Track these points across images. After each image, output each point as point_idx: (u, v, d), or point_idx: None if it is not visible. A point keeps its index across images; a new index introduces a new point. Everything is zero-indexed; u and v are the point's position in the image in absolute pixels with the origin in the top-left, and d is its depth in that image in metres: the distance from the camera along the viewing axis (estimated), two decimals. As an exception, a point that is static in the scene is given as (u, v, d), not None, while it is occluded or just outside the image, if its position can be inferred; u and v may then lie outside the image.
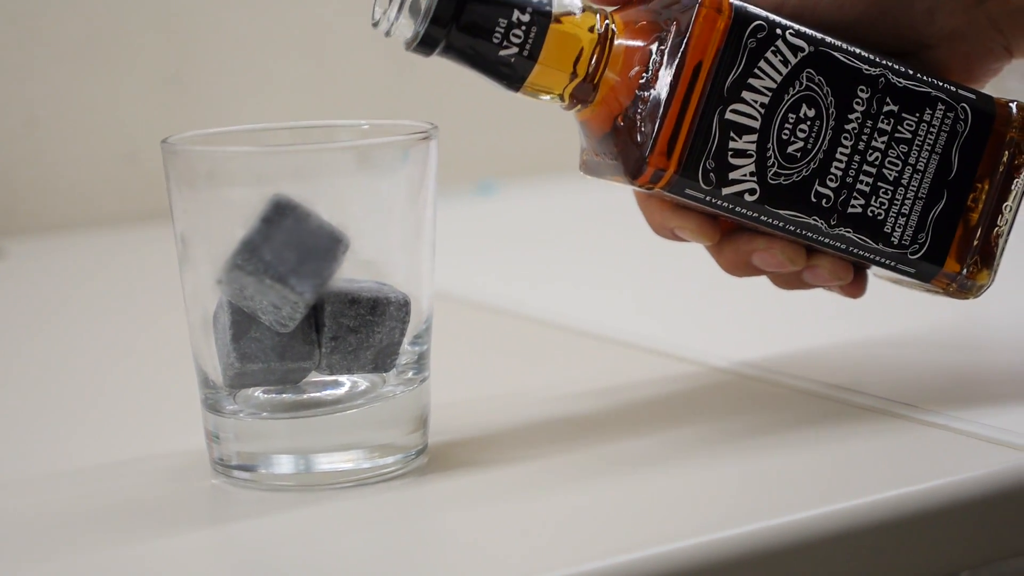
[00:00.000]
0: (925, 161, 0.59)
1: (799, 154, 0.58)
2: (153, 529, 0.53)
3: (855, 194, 0.58)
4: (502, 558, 0.50)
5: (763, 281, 0.64)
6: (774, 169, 0.57)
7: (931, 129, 0.59)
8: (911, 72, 0.59)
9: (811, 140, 0.58)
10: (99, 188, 1.13)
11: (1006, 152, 0.60)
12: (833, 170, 0.58)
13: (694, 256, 0.95)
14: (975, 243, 0.60)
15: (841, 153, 0.58)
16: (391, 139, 0.56)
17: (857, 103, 0.58)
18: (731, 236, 0.61)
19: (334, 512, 0.53)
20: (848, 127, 0.58)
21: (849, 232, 0.59)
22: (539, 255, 0.99)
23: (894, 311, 0.77)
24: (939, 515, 0.53)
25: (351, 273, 0.54)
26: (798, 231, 0.59)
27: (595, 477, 0.56)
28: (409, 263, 0.55)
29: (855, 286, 0.62)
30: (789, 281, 0.62)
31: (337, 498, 0.54)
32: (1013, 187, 0.60)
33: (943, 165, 0.59)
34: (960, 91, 0.60)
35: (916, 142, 0.59)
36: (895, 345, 0.72)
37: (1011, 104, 0.60)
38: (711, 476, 0.56)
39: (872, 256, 0.60)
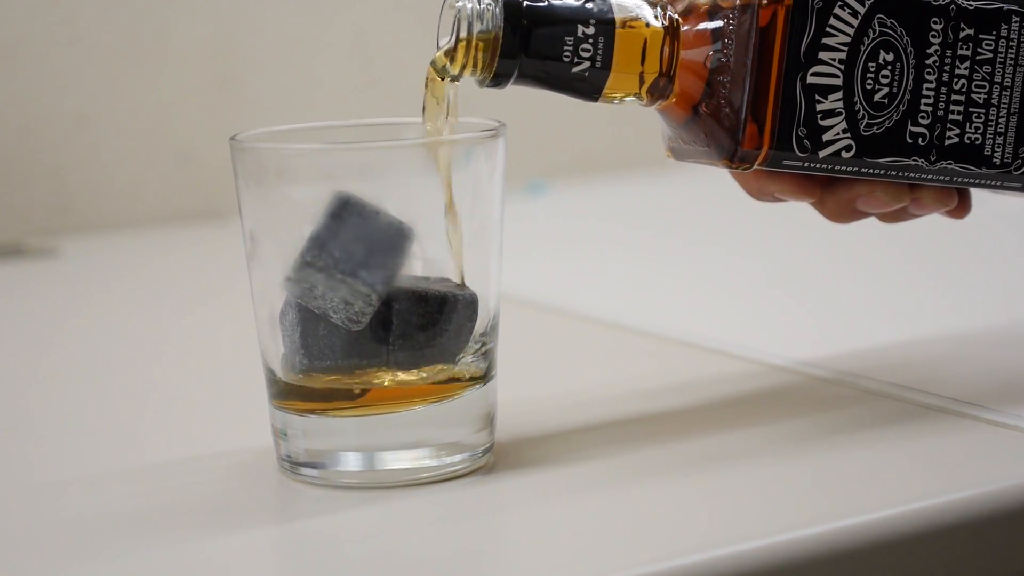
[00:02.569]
0: (1011, 76, 0.59)
1: (887, 100, 0.58)
2: (220, 526, 0.53)
3: (949, 125, 0.59)
4: (569, 557, 0.50)
5: (821, 279, 0.64)
6: (865, 121, 0.57)
7: (1011, 43, 0.59)
8: None
9: (895, 83, 0.58)
10: (150, 187, 1.13)
11: None
12: (923, 107, 0.58)
13: (752, 254, 0.95)
14: None
15: (927, 89, 0.58)
16: (460, 136, 0.56)
17: (933, 36, 0.58)
18: (831, 187, 0.60)
19: (400, 510, 0.53)
20: (929, 61, 0.58)
21: (951, 164, 0.59)
22: (593, 254, 0.99)
23: (957, 308, 0.77)
24: (1009, 517, 0.53)
25: (419, 271, 0.54)
26: (900, 174, 0.59)
27: (661, 476, 0.56)
28: (476, 261, 0.55)
29: (960, 208, 0.62)
30: (896, 216, 0.62)
31: (403, 496, 0.54)
32: None
33: None
34: None
35: (999, 59, 0.59)
36: (959, 343, 0.72)
37: None
38: (779, 476, 0.55)
39: (977, 181, 0.60)
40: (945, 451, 0.58)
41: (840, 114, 0.57)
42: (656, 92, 0.58)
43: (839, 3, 0.57)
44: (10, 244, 1.04)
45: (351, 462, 0.55)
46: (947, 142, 0.59)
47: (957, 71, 0.59)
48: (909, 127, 0.58)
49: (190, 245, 1.08)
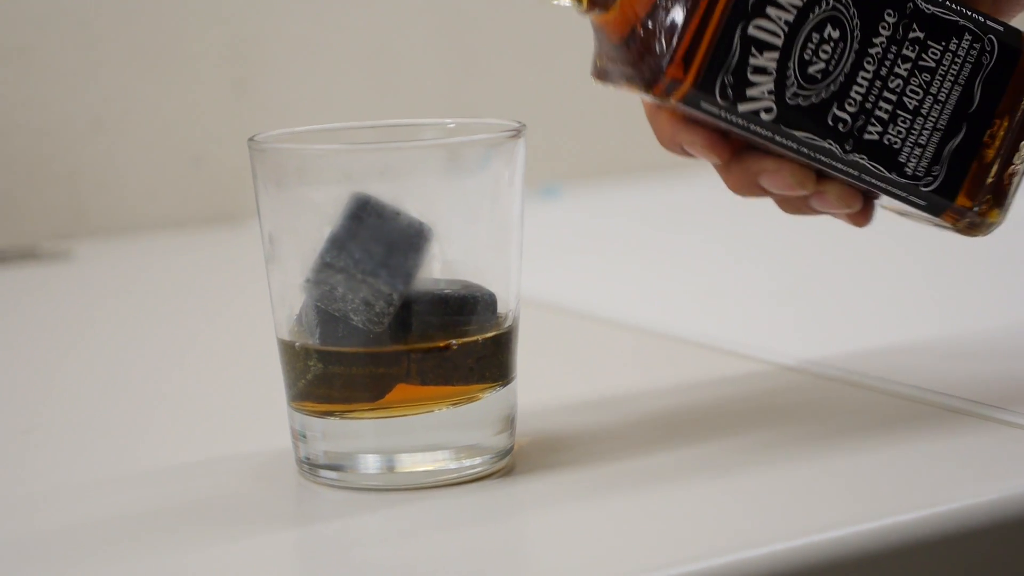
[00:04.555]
0: (947, 92, 0.58)
1: (820, 75, 0.57)
2: (238, 528, 0.53)
3: (873, 120, 0.57)
4: (589, 560, 0.50)
5: (841, 281, 0.63)
6: (793, 89, 0.56)
7: (955, 59, 0.58)
8: None
9: (833, 62, 0.57)
10: (165, 191, 1.13)
11: None
12: (853, 94, 0.57)
13: (770, 256, 0.95)
14: (989, 180, 0.59)
15: (862, 77, 0.57)
16: (481, 137, 0.55)
17: (883, 27, 0.57)
18: (740, 155, 0.59)
19: (420, 513, 0.53)
20: (872, 51, 0.57)
21: (863, 159, 0.58)
22: (608, 257, 0.99)
23: (968, 307, 0.77)
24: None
25: (438, 273, 0.54)
26: (811, 154, 0.58)
27: (682, 479, 0.55)
28: (496, 263, 0.55)
29: (862, 215, 0.60)
30: (796, 206, 0.61)
31: (423, 499, 0.54)
32: None
33: (964, 97, 0.58)
34: (988, 22, 0.58)
35: (939, 72, 0.58)
36: (971, 343, 0.71)
37: None
38: (801, 478, 0.55)
39: (883, 185, 0.59)
40: (967, 454, 0.57)
41: (770, 74, 0.56)
42: (596, 1, 0.57)
43: None
44: (24, 248, 1.04)
45: (370, 464, 0.54)
46: (866, 136, 0.58)
47: (896, 70, 0.57)
48: (834, 109, 0.57)
49: (204, 249, 1.08)
